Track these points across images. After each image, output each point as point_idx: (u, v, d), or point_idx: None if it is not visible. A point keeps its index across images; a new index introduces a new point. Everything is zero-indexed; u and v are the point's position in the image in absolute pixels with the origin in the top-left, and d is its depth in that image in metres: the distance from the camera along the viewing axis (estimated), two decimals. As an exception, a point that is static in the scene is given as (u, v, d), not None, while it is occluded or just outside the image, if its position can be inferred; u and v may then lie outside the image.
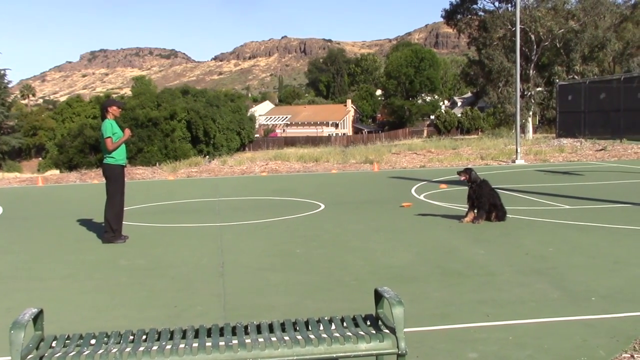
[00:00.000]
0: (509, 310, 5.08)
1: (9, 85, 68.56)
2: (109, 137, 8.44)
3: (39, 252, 8.24)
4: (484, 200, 9.26)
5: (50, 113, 71.88)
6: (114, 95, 69.56)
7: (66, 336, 3.15)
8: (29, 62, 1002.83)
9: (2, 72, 63.56)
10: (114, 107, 8.68)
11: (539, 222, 9.35)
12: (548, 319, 4.81)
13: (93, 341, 3.09)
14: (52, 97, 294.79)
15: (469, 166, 9.41)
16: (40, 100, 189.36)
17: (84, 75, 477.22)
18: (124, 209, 8.83)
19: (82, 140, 51.57)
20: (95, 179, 20.09)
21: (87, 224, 9.85)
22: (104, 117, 8.66)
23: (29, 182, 20.24)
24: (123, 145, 8.65)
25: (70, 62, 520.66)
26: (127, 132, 8.71)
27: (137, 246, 8.41)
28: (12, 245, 8.77)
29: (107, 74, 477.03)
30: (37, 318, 3.11)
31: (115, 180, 8.63)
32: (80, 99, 70.27)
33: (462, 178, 9.48)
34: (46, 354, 2.94)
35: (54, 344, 3.08)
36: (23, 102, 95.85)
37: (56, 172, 38.81)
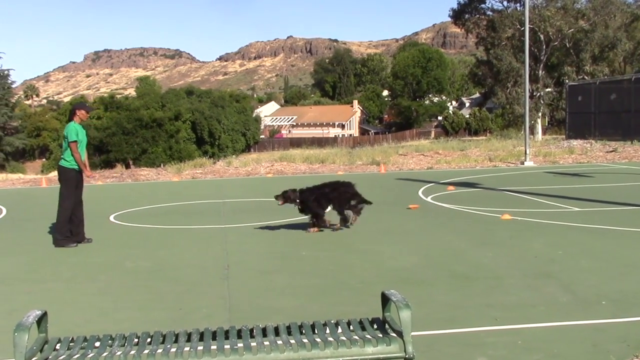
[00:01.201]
0: (518, 314, 5.06)
1: (13, 86, 68.79)
2: (75, 141, 8.50)
3: (42, 254, 8.27)
4: (314, 211, 9.05)
5: (54, 114, 72.21)
6: (118, 96, 69.66)
7: (70, 339, 3.16)
8: (33, 63, 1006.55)
9: (6, 72, 63.80)
10: (83, 112, 8.78)
11: (548, 224, 9.32)
12: (557, 323, 4.80)
13: (97, 344, 3.10)
14: (56, 97, 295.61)
15: (286, 189, 9.27)
16: (44, 101, 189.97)
17: (88, 76, 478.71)
18: (82, 211, 8.82)
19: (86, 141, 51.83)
20: (99, 180, 20.15)
21: (90, 225, 9.86)
22: (70, 119, 8.74)
23: (32, 183, 20.32)
24: (83, 152, 8.70)
25: (74, 63, 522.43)
26: (89, 174, 8.83)
27: (141, 248, 8.43)
28: (16, 247, 8.81)
29: (111, 74, 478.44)
30: (41, 320, 3.12)
31: (67, 183, 8.64)
32: (85, 99, 70.62)
33: (280, 203, 9.16)
34: (50, 357, 2.95)
35: (57, 346, 3.10)
36: (27, 102, 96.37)
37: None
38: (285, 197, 9.09)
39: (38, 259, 7.92)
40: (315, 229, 9.08)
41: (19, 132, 63.50)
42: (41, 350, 3.04)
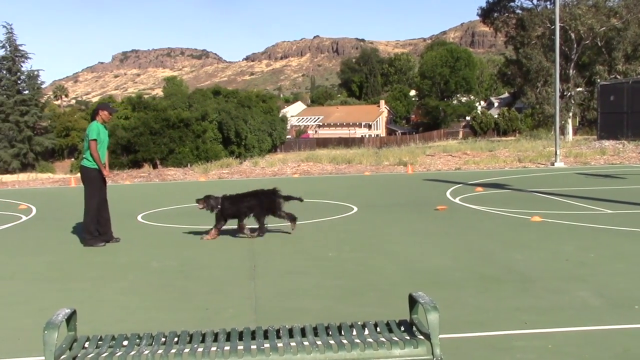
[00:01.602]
0: (548, 317, 5.00)
1: (42, 86, 69.97)
2: (95, 139, 8.61)
3: (71, 253, 8.39)
4: (219, 219, 9.07)
5: (82, 114, 73.09)
6: (146, 96, 70.43)
7: (99, 337, 3.20)
8: (62, 63, 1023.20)
9: (36, 73, 64.90)
10: (106, 112, 8.87)
11: (579, 227, 9.20)
12: (588, 328, 4.73)
13: (125, 342, 3.13)
14: (84, 97, 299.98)
15: (209, 194, 9.22)
16: (73, 101, 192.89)
17: (116, 76, 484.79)
18: (107, 210, 8.93)
19: (114, 141, 52.03)
20: (127, 179, 20.39)
21: (118, 225, 9.96)
22: (93, 119, 8.84)
23: (61, 183, 20.63)
24: (104, 153, 8.80)
25: (102, 63, 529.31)
26: (107, 174, 8.88)
27: (168, 248, 8.51)
28: (45, 246, 8.95)
29: (138, 75, 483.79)
30: (70, 319, 3.17)
31: (90, 182, 8.74)
32: (112, 100, 71.43)
33: (200, 207, 9.05)
34: (79, 355, 2.99)
35: (86, 344, 3.14)
36: (56, 102, 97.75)
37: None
38: (206, 202, 9.04)
39: (67, 258, 8.05)
40: (209, 236, 9.03)
41: (48, 132, 64.52)
42: (70, 348, 3.09)
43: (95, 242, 8.64)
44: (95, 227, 8.72)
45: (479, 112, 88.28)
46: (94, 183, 8.73)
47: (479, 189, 14.31)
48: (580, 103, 43.67)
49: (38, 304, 5.81)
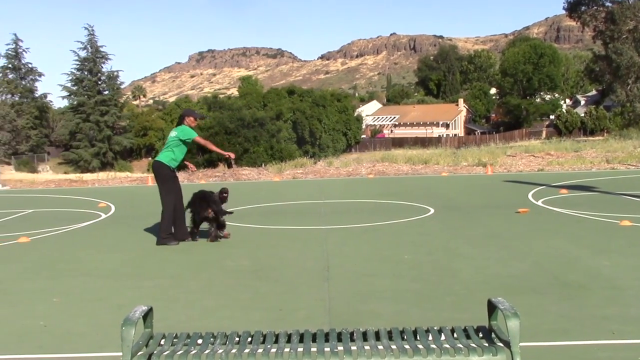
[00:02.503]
0: (638, 327, 4.80)
1: (122, 87, 72.69)
2: (197, 136, 9.03)
3: (148, 250, 8.68)
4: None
5: (159, 113, 75.50)
6: (221, 96, 72.01)
7: (174, 335, 3.29)
8: (140, 63, 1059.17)
9: (115, 73, 67.51)
10: (191, 118, 9.16)
11: (674, 232, 8.77)
12: (684, 340, 4.51)
13: (200, 341, 3.21)
14: (161, 97, 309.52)
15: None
16: (151, 101, 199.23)
17: (192, 76, 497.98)
18: (183, 209, 9.13)
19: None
20: (202, 179, 20.89)
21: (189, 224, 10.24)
22: (179, 123, 9.09)
23: (139, 182, 21.37)
24: (183, 154, 9.06)
25: (179, 63, 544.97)
26: (232, 155, 9.52)
27: (242, 247, 8.66)
28: (123, 244, 9.29)
29: (214, 74, 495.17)
30: (147, 316, 3.27)
31: (163, 179, 8.98)
32: (189, 100, 73.41)
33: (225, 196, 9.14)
34: (155, 352, 3.09)
35: (162, 341, 3.23)
36: (134, 102, 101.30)
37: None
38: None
39: (143, 256, 8.32)
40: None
41: (126, 131, 66.96)
42: (147, 345, 3.19)
43: (169, 240, 8.89)
44: (171, 226, 8.98)
45: (564, 111, 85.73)
46: (167, 179, 9.00)
47: (564, 191, 13.89)
48: (675, 100, 41.69)
49: (115, 301, 6.03)
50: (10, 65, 65.31)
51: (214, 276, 6.99)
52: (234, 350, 3.04)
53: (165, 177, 9.01)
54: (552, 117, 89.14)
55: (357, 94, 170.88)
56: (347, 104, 68.42)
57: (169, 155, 8.96)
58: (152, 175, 9.22)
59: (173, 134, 9.06)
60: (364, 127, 77.57)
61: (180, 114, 9.43)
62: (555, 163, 21.86)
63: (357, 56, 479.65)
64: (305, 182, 19.16)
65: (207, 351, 3.04)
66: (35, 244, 9.40)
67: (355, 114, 70.31)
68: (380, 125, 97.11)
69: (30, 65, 67.04)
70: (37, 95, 67.09)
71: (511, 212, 11.08)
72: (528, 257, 7.48)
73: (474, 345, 3.10)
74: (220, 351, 3.05)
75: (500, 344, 3.09)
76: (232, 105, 57.61)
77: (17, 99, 64.43)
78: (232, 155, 9.69)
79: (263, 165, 29.03)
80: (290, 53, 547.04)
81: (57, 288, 6.59)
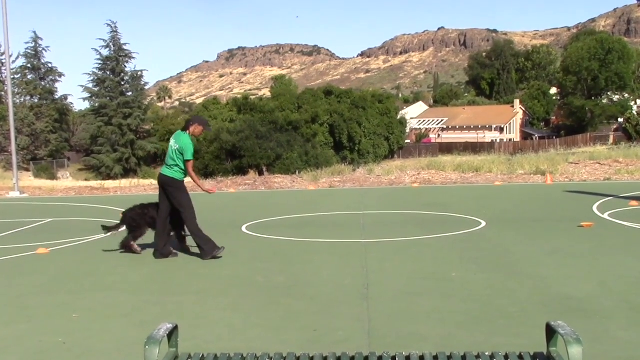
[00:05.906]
0: None
1: (146, 87, 73.67)
2: (192, 160, 8.95)
3: (172, 264, 8.79)
4: None
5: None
6: (252, 97, 72.51)
7: (201, 355, 3.33)
8: (166, 63, 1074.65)
9: (139, 73, 68.28)
10: (200, 128, 9.15)
11: None
12: None
13: (228, 362, 3.24)
14: (188, 99, 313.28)
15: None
16: (177, 103, 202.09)
17: (221, 76, 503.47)
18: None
19: (218, 146, 53.78)
20: (231, 187, 21.10)
21: (222, 235, 10.34)
22: (185, 129, 9.12)
23: (163, 190, 21.60)
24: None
25: (207, 62, 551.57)
26: (213, 190, 9.62)
27: (274, 262, 8.71)
28: (147, 256, 9.41)
29: (245, 74, 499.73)
30: (172, 334, 3.31)
31: (182, 193, 9.02)
32: (217, 101, 73.75)
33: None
34: (180, 373, 3.13)
35: (188, 362, 3.27)
36: (159, 104, 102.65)
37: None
38: None
39: (169, 270, 8.43)
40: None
41: (151, 135, 67.72)
42: (171, 366, 3.23)
43: (217, 251, 8.91)
44: (204, 235, 9.00)
45: (635, 113, 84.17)
46: (184, 191, 9.06)
47: (634, 202, 13.67)
48: None
49: (139, 317, 6.12)
50: (29, 65, 66.34)
51: (243, 293, 7.04)
52: (264, 373, 3.06)
53: (180, 189, 9.05)
54: (620, 120, 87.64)
55: (400, 95, 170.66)
56: (390, 105, 68.34)
57: (176, 168, 8.99)
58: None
59: (174, 145, 9.02)
60: (408, 131, 77.41)
61: (189, 118, 9.43)
62: (624, 172, 21.53)
63: (400, 53, 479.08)
64: (343, 191, 19.19)
65: (235, 374, 3.07)
66: (54, 256, 9.61)
67: (399, 116, 70.23)
68: (427, 129, 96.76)
69: (50, 65, 68.04)
70: (57, 97, 67.85)
71: (573, 226, 10.94)
72: (593, 276, 7.38)
73: (529, 372, 3.07)
74: (250, 374, 3.07)
75: (560, 372, 3.06)
76: (264, 107, 58.04)
77: (36, 100, 65.45)
78: (213, 190, 10.05)
79: (297, 172, 29.21)
80: (328, 50, 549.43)
81: (76, 303, 6.72)
